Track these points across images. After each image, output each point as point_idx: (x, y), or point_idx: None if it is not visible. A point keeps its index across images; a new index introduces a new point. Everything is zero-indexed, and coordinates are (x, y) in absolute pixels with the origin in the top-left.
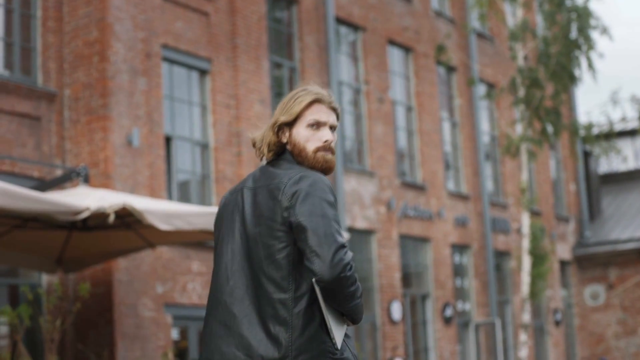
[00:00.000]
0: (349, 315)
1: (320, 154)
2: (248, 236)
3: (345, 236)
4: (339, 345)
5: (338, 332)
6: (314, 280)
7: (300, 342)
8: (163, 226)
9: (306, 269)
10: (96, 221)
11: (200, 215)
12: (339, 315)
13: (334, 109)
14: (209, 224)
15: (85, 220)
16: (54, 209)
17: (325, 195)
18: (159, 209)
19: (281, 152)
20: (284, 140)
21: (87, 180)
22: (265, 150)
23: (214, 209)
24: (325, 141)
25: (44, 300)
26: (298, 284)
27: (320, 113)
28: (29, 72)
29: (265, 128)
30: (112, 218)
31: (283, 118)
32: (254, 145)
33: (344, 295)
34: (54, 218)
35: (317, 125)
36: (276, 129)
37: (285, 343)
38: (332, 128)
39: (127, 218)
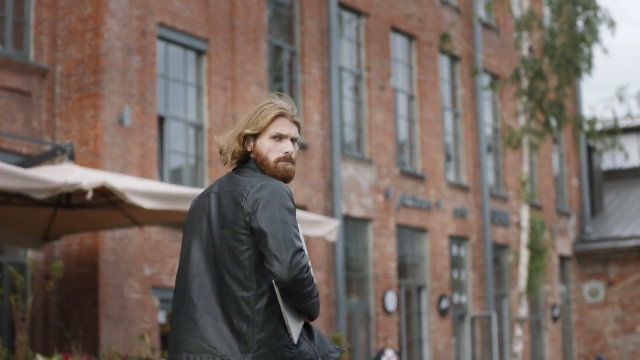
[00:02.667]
0: (306, 312)
1: (281, 164)
2: (214, 238)
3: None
4: (295, 340)
5: (295, 328)
6: (273, 281)
7: (261, 336)
8: (146, 204)
9: (266, 269)
10: (80, 199)
11: (186, 196)
12: (296, 312)
13: (296, 123)
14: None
15: (69, 198)
16: (29, 185)
17: (285, 202)
18: (141, 188)
19: (245, 160)
20: (249, 149)
21: (72, 157)
22: (229, 158)
23: (200, 191)
24: (286, 152)
25: (28, 278)
26: (259, 283)
27: (282, 126)
28: (21, 46)
29: (230, 135)
30: (89, 195)
31: (248, 131)
32: (221, 151)
33: (301, 294)
34: (31, 194)
35: (279, 137)
36: (242, 140)
37: (248, 337)
38: (293, 140)
39: (112, 197)
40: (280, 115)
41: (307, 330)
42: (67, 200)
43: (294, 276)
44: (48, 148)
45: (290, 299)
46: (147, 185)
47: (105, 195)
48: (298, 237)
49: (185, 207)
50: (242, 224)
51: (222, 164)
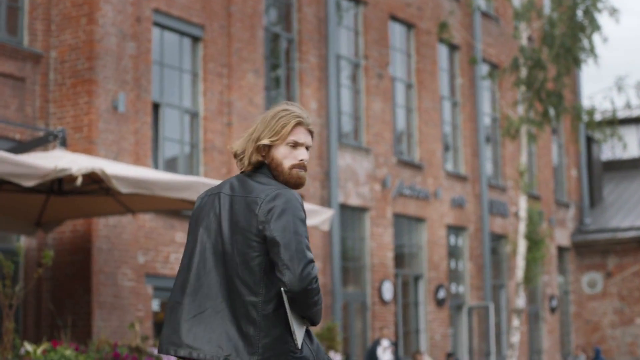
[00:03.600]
0: (310, 318)
1: (295, 171)
2: (224, 240)
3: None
4: (299, 346)
5: (299, 334)
6: (282, 289)
7: (267, 341)
8: (133, 191)
9: (275, 277)
10: (72, 185)
11: (178, 184)
12: (300, 318)
13: (310, 131)
14: (183, 193)
15: (61, 184)
16: (18, 171)
17: (298, 213)
18: (132, 175)
19: (258, 165)
20: (264, 154)
21: (64, 144)
22: (246, 164)
23: (191, 179)
24: (301, 160)
25: (21, 265)
26: (268, 289)
27: (299, 134)
28: (15, 32)
29: (245, 140)
30: (79, 181)
31: (268, 141)
32: (235, 156)
33: (309, 304)
34: (20, 180)
35: (295, 145)
36: (261, 149)
37: (254, 341)
38: (307, 148)
39: (104, 183)
40: (298, 124)
41: (307, 333)
42: (59, 186)
43: (304, 287)
44: (41, 134)
45: (297, 306)
46: (138, 172)
47: (98, 182)
48: (309, 249)
49: (178, 195)
50: (255, 231)
51: (239, 169)
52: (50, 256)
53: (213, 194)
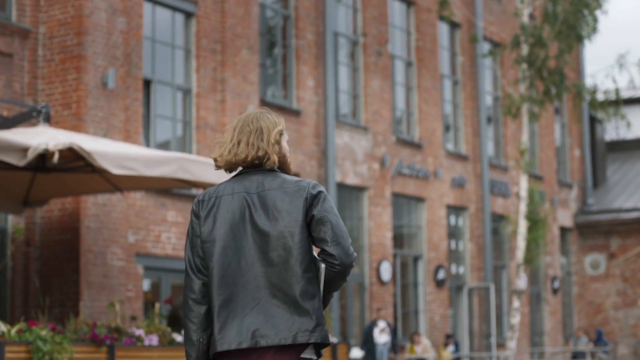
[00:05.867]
0: (329, 298)
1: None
2: (264, 233)
3: None
4: None
5: None
6: (324, 265)
7: (321, 313)
8: (115, 170)
9: (323, 253)
10: (57, 162)
11: (162, 160)
12: None
13: None
14: (170, 171)
15: (44, 161)
16: None
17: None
18: (114, 152)
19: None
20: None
21: (48, 119)
22: (274, 162)
23: (174, 155)
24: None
25: (8, 244)
26: (316, 266)
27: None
28: (3, 7)
29: (253, 145)
30: (56, 158)
31: (287, 137)
32: (256, 159)
33: (343, 281)
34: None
35: (286, 140)
36: (281, 146)
37: (318, 314)
38: None
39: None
40: None
41: None
42: (43, 163)
43: (350, 262)
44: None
45: (334, 283)
46: (120, 148)
47: (83, 159)
48: None
49: (161, 171)
50: (304, 213)
51: (267, 168)
52: (21, 231)
53: (225, 195)
